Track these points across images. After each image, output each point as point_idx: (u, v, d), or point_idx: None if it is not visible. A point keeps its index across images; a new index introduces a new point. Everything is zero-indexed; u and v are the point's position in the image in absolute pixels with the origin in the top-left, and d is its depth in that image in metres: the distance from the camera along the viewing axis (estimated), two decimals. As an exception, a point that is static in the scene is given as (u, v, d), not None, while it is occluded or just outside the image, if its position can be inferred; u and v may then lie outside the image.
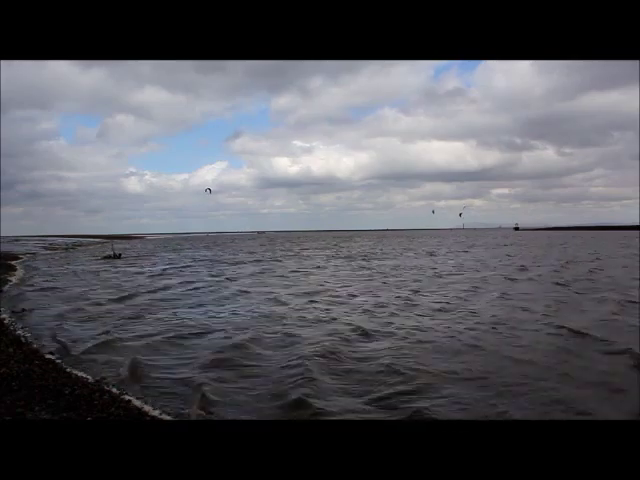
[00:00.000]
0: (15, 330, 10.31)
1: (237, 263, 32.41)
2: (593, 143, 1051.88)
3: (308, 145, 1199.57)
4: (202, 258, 39.25)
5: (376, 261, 32.48)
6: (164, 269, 27.71)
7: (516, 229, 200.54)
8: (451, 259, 33.74)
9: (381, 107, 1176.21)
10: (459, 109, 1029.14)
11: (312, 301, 14.44)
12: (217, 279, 21.70)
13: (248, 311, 12.97)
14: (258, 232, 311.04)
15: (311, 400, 6.09)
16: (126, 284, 19.86)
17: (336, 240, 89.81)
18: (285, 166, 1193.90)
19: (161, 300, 15.29)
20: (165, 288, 18.47)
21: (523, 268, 24.93)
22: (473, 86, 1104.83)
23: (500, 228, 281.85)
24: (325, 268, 27.18)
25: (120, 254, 40.17)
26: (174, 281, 21.01)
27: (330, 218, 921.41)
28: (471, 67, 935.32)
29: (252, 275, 23.49)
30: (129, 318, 12.03)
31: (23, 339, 9.41)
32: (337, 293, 16.50)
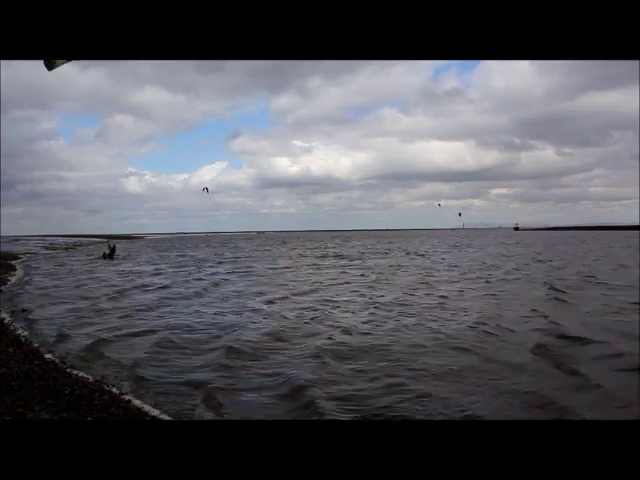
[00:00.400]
0: (15, 330, 10.31)
1: (220, 263, 33.91)
2: (593, 143, 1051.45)
3: (308, 145, 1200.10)
4: (189, 258, 40.15)
5: (356, 261, 33.39)
6: (146, 270, 28.20)
7: (516, 229, 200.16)
8: (429, 259, 34.44)
9: (380, 107, 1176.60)
10: (458, 109, 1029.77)
11: (269, 301, 14.86)
12: (192, 277, 22.88)
13: (197, 311, 13.34)
14: (257, 232, 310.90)
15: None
16: (107, 283, 20.45)
17: (333, 240, 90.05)
18: (285, 166, 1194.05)
19: (124, 297, 15.99)
20: (138, 287, 19.17)
21: (494, 267, 25.77)
22: (472, 86, 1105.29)
23: (500, 228, 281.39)
24: (299, 268, 28.05)
25: (114, 246, 40.71)
26: (148, 280, 21.69)
27: (330, 218, 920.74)
28: (470, 67, 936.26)
29: (230, 273, 24.86)
30: (90, 317, 12.54)
31: (23, 339, 9.41)
32: (297, 291, 17.31)
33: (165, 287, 19.00)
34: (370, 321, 11.39)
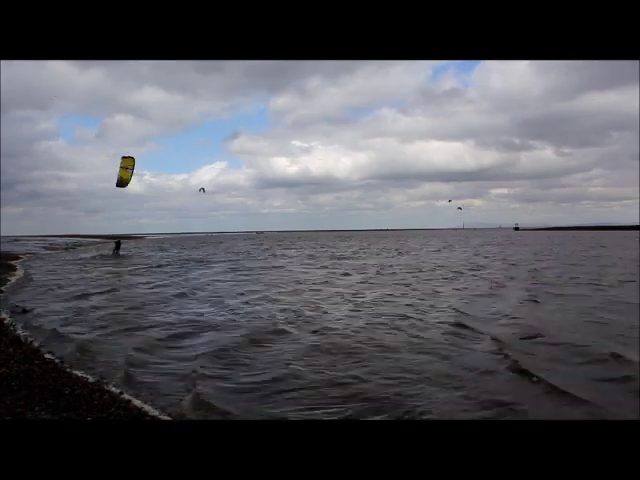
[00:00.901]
0: (15, 330, 10.31)
1: (201, 262, 34.86)
2: (592, 143, 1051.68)
3: (307, 145, 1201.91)
4: (181, 258, 40.48)
5: (334, 260, 34.18)
6: (137, 269, 28.50)
7: (516, 229, 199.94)
8: (402, 259, 34.89)
9: (379, 107, 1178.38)
10: (457, 109, 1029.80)
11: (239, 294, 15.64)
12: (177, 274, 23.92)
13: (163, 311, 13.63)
14: (257, 232, 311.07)
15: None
16: (94, 284, 20.62)
17: (328, 241, 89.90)
18: (284, 166, 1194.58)
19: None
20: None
21: (471, 266, 26.47)
22: (470, 86, 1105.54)
23: (500, 228, 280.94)
24: (282, 268, 28.42)
25: (119, 240, 44.15)
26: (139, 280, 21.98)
27: (330, 218, 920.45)
28: (469, 67, 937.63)
29: (206, 273, 25.20)
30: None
31: (23, 339, 9.41)
32: (247, 289, 17.94)
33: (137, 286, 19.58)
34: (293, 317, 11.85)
